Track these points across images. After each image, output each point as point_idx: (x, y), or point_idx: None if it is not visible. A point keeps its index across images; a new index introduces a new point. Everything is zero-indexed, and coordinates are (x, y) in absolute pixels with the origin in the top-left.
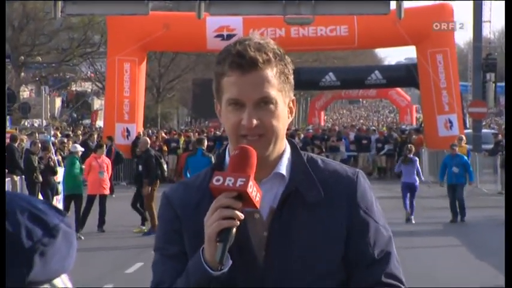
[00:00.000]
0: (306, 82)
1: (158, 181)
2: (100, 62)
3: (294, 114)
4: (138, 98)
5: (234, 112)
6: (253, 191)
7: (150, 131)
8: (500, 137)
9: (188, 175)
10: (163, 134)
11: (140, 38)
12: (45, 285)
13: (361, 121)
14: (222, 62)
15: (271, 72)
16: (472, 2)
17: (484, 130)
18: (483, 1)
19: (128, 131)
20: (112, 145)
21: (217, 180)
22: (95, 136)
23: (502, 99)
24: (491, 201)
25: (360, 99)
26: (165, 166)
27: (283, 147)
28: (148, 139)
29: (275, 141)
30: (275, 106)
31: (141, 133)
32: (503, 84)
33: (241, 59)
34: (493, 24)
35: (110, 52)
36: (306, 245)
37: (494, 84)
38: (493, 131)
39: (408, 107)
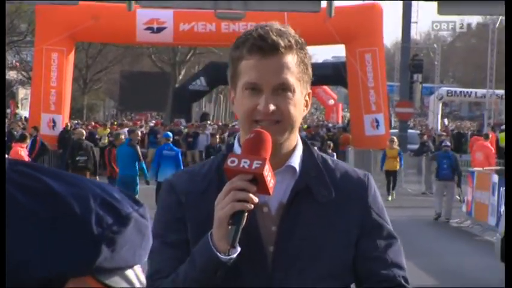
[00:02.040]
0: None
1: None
2: (26, 51)
3: (308, 108)
4: (65, 89)
5: (250, 97)
6: (269, 175)
7: (76, 122)
8: (425, 137)
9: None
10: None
11: (69, 28)
12: (116, 277)
13: None
14: (240, 46)
15: (291, 59)
16: (401, 2)
17: (409, 130)
18: (412, 1)
19: (53, 121)
20: (37, 135)
21: (232, 162)
22: (19, 125)
23: (426, 101)
24: (416, 202)
25: None
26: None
27: (296, 139)
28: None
29: (290, 130)
30: (293, 94)
31: (69, 124)
32: (427, 85)
33: (263, 42)
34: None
35: (37, 41)
36: (315, 244)
37: (421, 85)
38: (418, 131)
39: (335, 105)
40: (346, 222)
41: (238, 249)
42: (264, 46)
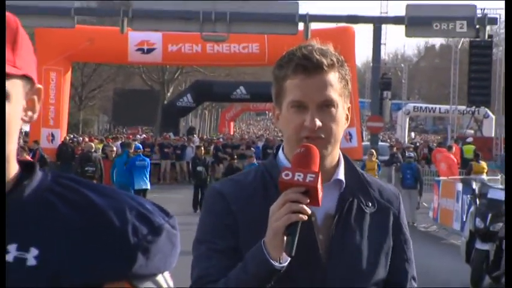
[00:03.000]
0: (218, 95)
1: None
2: None
3: (349, 121)
4: (62, 105)
5: (296, 114)
6: (320, 189)
7: (72, 136)
8: (395, 149)
9: (114, 174)
10: (86, 139)
11: (66, 50)
12: (148, 282)
13: (268, 132)
14: (285, 65)
15: (334, 76)
16: (372, 26)
17: (380, 143)
18: (381, 25)
19: (52, 135)
20: (38, 148)
21: (287, 175)
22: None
23: (395, 115)
24: None
25: (266, 111)
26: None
27: (338, 153)
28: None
29: (334, 144)
30: (336, 110)
31: (67, 138)
32: (396, 101)
33: (307, 62)
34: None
35: (37, 62)
36: (361, 254)
37: (390, 102)
38: (388, 144)
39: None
40: (385, 234)
41: (288, 258)
42: (308, 65)
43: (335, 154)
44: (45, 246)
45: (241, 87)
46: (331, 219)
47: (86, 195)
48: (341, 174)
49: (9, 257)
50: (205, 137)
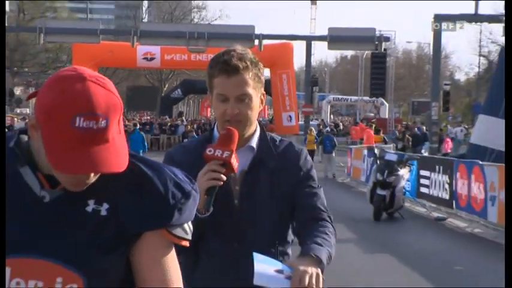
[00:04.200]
0: (199, 89)
1: None
2: None
3: (264, 104)
4: None
5: (221, 103)
6: (234, 162)
7: None
8: (321, 126)
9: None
10: None
11: (94, 58)
12: (178, 229)
13: None
14: (213, 67)
15: (248, 76)
16: (305, 42)
17: (311, 122)
18: (312, 41)
19: None
20: None
21: (210, 151)
22: None
23: (320, 103)
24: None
25: None
26: None
27: (254, 127)
28: None
29: (249, 125)
30: (250, 100)
31: None
32: (321, 94)
33: (227, 66)
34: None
35: None
36: (266, 199)
37: (317, 94)
38: (316, 123)
39: (264, 107)
40: (287, 181)
41: (211, 209)
42: (228, 69)
43: (252, 128)
44: (113, 202)
45: None
46: (244, 174)
47: (139, 167)
48: (254, 142)
49: (88, 208)
50: (190, 118)
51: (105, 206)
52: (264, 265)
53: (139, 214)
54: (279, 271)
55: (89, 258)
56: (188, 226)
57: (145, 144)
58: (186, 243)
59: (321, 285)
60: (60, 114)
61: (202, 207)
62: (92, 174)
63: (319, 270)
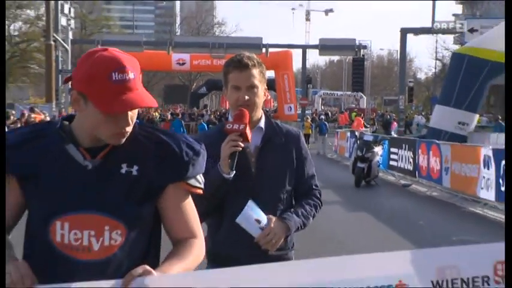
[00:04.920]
0: (220, 87)
1: None
2: None
3: (266, 96)
4: None
5: (235, 92)
6: (248, 132)
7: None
8: (315, 115)
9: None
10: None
11: (139, 64)
12: (193, 180)
13: None
14: (228, 65)
15: (255, 71)
16: (301, 50)
17: (306, 111)
18: (307, 49)
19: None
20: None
21: (229, 126)
22: None
23: (313, 97)
24: (310, 146)
25: None
26: None
27: (260, 113)
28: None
29: (256, 109)
30: (257, 90)
31: (143, 111)
32: (314, 89)
33: (239, 64)
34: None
35: None
36: (276, 168)
37: (311, 90)
38: (310, 112)
39: (270, 100)
40: (290, 156)
41: (234, 172)
42: (240, 65)
43: (258, 114)
44: (141, 164)
45: None
46: (258, 149)
47: (158, 135)
48: (262, 124)
49: (122, 171)
50: (212, 109)
51: (135, 167)
52: (251, 212)
53: (162, 171)
54: (258, 221)
55: (127, 209)
56: (200, 177)
57: (182, 128)
58: (200, 191)
59: (277, 246)
60: (99, 75)
61: (226, 168)
62: (130, 121)
63: (283, 235)
